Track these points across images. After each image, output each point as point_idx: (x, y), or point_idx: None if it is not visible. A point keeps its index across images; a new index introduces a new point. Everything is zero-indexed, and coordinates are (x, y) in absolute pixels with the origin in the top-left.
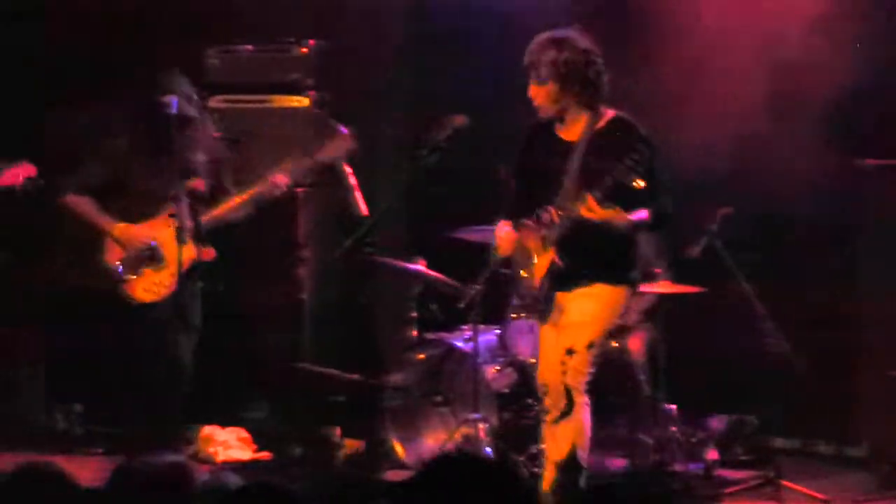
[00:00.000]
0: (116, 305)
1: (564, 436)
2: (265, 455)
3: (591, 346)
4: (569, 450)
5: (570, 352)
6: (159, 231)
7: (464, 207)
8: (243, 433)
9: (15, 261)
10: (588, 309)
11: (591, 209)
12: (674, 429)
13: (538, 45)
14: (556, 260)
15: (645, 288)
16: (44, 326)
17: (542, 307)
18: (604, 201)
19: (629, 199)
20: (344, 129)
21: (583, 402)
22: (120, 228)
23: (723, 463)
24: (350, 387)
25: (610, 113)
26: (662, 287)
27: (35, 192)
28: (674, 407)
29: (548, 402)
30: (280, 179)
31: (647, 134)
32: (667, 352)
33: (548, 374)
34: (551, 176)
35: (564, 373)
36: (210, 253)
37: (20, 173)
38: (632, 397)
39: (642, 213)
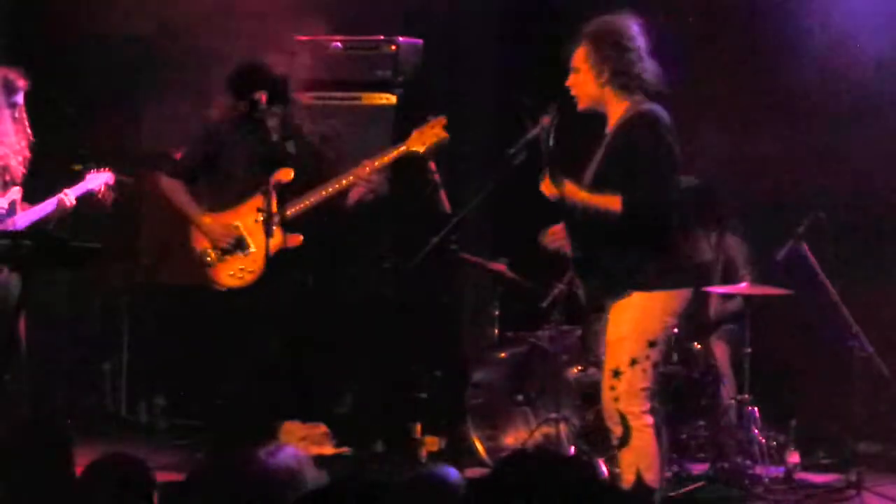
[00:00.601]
0: (200, 299)
1: (627, 464)
2: (346, 450)
3: (634, 362)
4: (634, 478)
5: (616, 373)
6: (246, 218)
7: (550, 206)
8: (324, 428)
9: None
10: (624, 322)
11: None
12: (756, 431)
13: (577, 35)
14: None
15: (730, 290)
16: (128, 320)
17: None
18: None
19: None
20: (436, 119)
21: (643, 425)
22: (207, 219)
23: (804, 466)
24: (432, 384)
25: (644, 106)
26: (747, 289)
27: (113, 201)
28: (756, 409)
29: (609, 423)
30: (370, 167)
31: (663, 132)
32: (751, 354)
33: (604, 396)
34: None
35: (616, 399)
36: (297, 239)
37: (101, 180)
38: (714, 399)
39: (612, 200)
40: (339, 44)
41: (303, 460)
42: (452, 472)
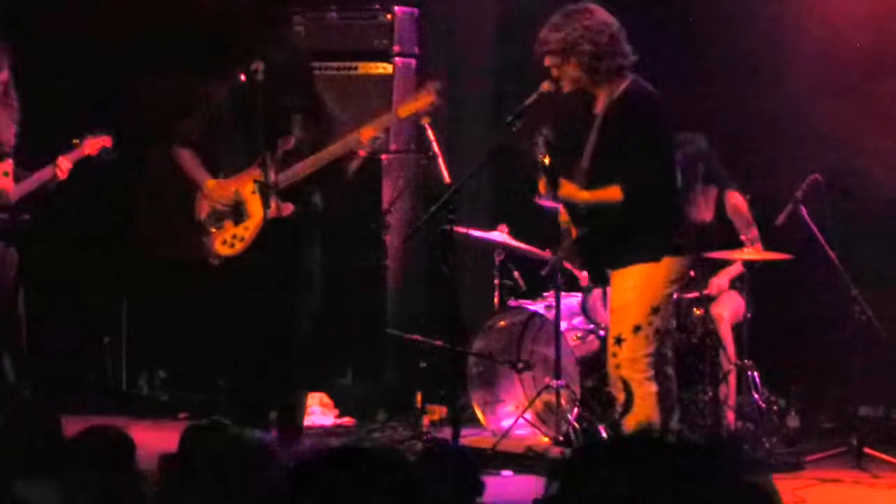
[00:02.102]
0: (199, 272)
1: (630, 426)
2: (348, 420)
3: (637, 328)
4: None
5: (618, 340)
6: (246, 186)
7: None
8: (326, 398)
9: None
10: (626, 290)
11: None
12: (757, 396)
13: (546, 27)
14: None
15: (730, 256)
16: (127, 293)
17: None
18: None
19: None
20: (430, 83)
21: (646, 392)
22: (210, 183)
23: (805, 430)
24: (433, 353)
25: (625, 82)
26: (748, 254)
27: (110, 163)
28: (756, 374)
29: (612, 390)
30: (364, 135)
31: (653, 107)
32: (751, 319)
33: (608, 363)
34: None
35: (618, 366)
36: (288, 208)
37: (98, 143)
38: (714, 364)
39: (612, 192)
40: (334, 13)
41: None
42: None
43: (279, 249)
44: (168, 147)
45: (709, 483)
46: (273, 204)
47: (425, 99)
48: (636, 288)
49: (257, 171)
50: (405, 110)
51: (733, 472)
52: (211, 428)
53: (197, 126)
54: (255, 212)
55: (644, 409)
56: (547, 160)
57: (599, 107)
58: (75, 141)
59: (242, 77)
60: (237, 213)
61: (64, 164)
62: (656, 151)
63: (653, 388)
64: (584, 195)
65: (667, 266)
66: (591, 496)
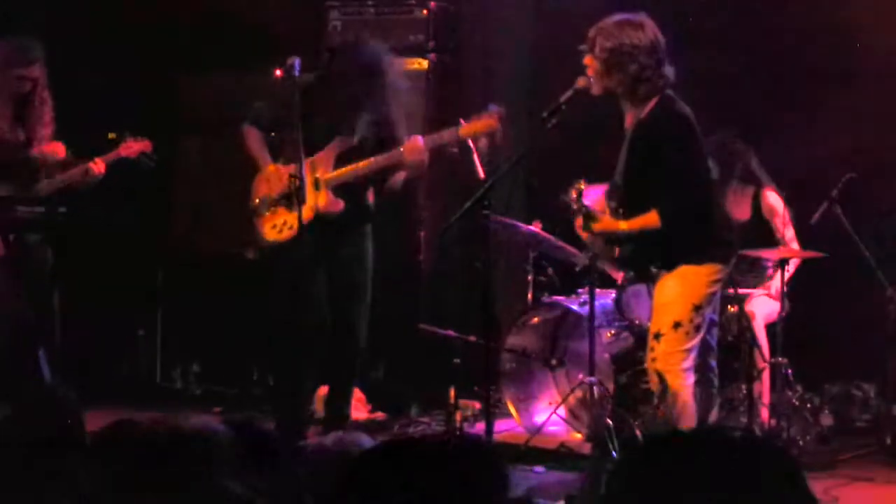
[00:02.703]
0: (235, 265)
1: (664, 421)
2: (380, 415)
3: (677, 325)
4: None
5: (657, 336)
6: (307, 174)
7: (584, 170)
8: (359, 392)
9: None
10: (670, 288)
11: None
12: (790, 393)
13: (597, 30)
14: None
15: (766, 254)
16: (162, 286)
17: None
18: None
19: (640, 196)
20: (494, 108)
21: (682, 385)
22: (272, 167)
23: (839, 429)
24: (466, 348)
25: (662, 103)
26: (786, 252)
27: (147, 168)
28: (791, 371)
29: (651, 385)
30: (420, 146)
31: (678, 122)
32: (786, 316)
33: (647, 358)
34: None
35: (654, 359)
36: (338, 205)
37: (136, 147)
38: (749, 361)
39: (650, 219)
40: (371, 8)
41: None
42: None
43: (322, 243)
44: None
45: (750, 483)
46: (325, 198)
47: (487, 122)
48: (678, 286)
49: (318, 161)
50: (467, 130)
51: (772, 470)
52: None
53: (269, 109)
54: (309, 202)
55: (679, 399)
56: (578, 201)
57: (628, 121)
58: (112, 135)
59: (278, 72)
60: (290, 200)
61: (100, 165)
62: (689, 173)
63: (689, 379)
64: (623, 226)
65: (709, 272)
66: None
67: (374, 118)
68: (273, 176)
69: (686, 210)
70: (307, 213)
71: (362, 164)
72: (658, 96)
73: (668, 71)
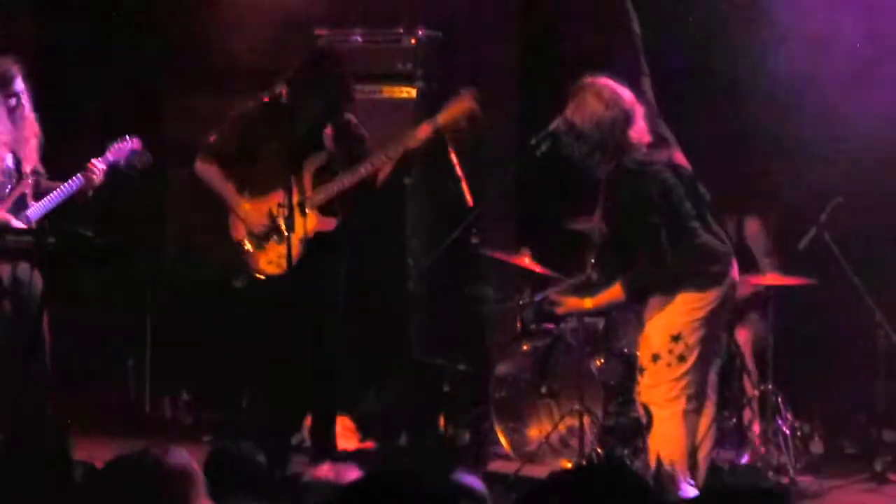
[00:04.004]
0: (225, 292)
1: (651, 451)
2: (370, 444)
3: (655, 357)
4: (655, 463)
5: (640, 370)
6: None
7: (571, 198)
8: (348, 422)
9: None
10: (648, 319)
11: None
12: (780, 421)
13: (579, 86)
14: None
15: (753, 280)
16: (152, 314)
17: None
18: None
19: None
20: (465, 90)
21: (667, 415)
22: (245, 206)
23: (829, 456)
24: (456, 377)
25: (623, 164)
26: (771, 279)
27: (140, 168)
28: (780, 399)
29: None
30: (402, 145)
31: (635, 190)
32: (775, 343)
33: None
34: None
35: (639, 392)
36: (331, 223)
37: (125, 148)
38: (739, 388)
39: (614, 292)
40: (358, 37)
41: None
42: (476, 482)
43: (320, 265)
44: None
45: None
46: (314, 219)
47: (463, 104)
48: (656, 318)
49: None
50: (445, 116)
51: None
52: None
53: (228, 140)
54: (297, 229)
55: (665, 431)
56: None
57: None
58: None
59: (265, 98)
60: (278, 231)
61: (98, 168)
62: (648, 240)
63: (676, 409)
64: (589, 303)
65: (684, 296)
66: None
67: (337, 128)
68: (251, 217)
69: (645, 278)
70: (297, 240)
71: (360, 172)
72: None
73: (637, 130)
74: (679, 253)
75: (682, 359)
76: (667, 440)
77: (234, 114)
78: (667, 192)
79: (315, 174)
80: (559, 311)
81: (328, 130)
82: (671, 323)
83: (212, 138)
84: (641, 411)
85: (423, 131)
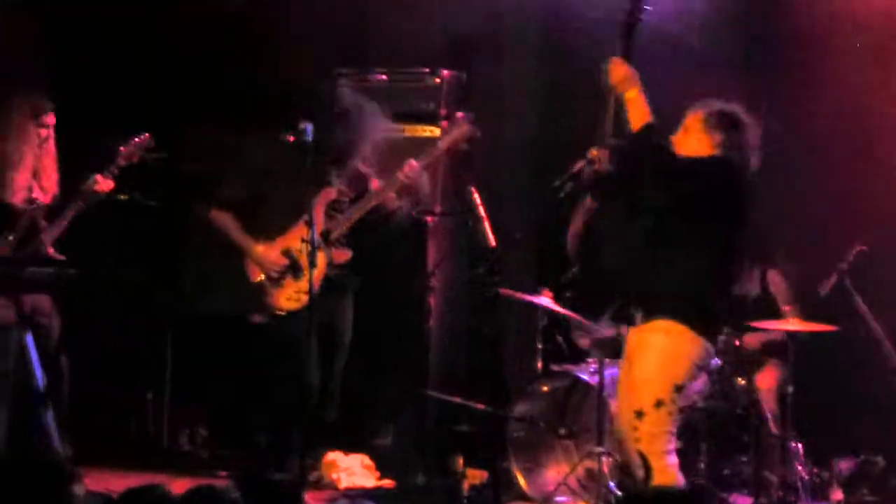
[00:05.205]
0: (244, 328)
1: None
2: (388, 483)
3: (659, 403)
4: None
5: (639, 414)
6: (296, 241)
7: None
8: (367, 460)
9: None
10: (651, 360)
11: None
12: (800, 467)
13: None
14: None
15: (775, 327)
16: (171, 349)
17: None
18: None
19: None
20: (460, 115)
21: (665, 465)
22: (258, 251)
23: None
24: (475, 416)
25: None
26: (791, 325)
27: (153, 164)
28: (800, 445)
29: (631, 466)
30: (406, 172)
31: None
32: (795, 389)
33: (622, 430)
34: None
35: (637, 439)
36: (345, 255)
37: (135, 148)
38: (758, 434)
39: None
40: (382, 76)
41: None
42: None
43: (337, 298)
44: (207, 209)
45: None
46: (331, 252)
47: (461, 130)
48: (658, 363)
49: (302, 227)
50: (448, 142)
51: None
52: None
53: (236, 189)
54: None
55: (665, 480)
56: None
57: None
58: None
59: (290, 137)
60: (294, 269)
61: (107, 172)
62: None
63: (673, 460)
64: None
65: (692, 342)
66: None
67: (339, 167)
68: (265, 258)
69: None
70: (319, 275)
71: (370, 203)
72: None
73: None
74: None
75: (681, 411)
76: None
77: (245, 160)
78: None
79: (326, 210)
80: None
81: (331, 168)
82: (676, 371)
83: (225, 187)
84: (638, 461)
85: (423, 161)
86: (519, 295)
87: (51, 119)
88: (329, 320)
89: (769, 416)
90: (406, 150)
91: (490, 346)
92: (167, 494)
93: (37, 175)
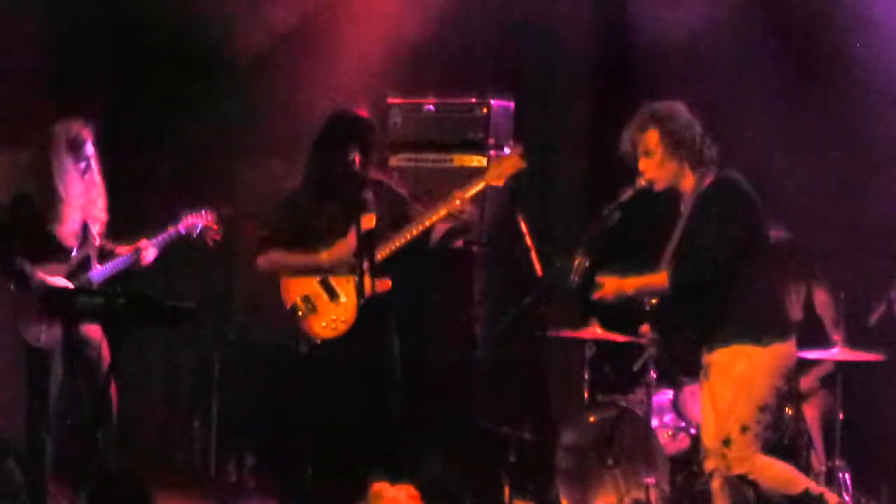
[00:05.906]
0: (292, 357)
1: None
2: None
3: (745, 429)
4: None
5: (727, 442)
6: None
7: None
8: (413, 490)
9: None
10: (730, 387)
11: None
12: (847, 498)
13: (634, 128)
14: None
15: (822, 356)
16: (218, 377)
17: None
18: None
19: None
20: (512, 146)
21: (761, 466)
22: (324, 256)
23: None
24: (522, 446)
25: (722, 173)
26: (839, 354)
27: (210, 241)
28: (848, 475)
29: (709, 465)
30: (451, 202)
31: (738, 199)
32: (843, 419)
33: (708, 440)
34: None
35: (728, 466)
36: (386, 284)
37: (198, 221)
38: (806, 464)
39: (658, 278)
40: (431, 106)
41: None
42: None
43: (374, 329)
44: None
45: None
46: (369, 281)
47: (511, 162)
48: (740, 387)
49: (340, 251)
50: (493, 174)
51: None
52: None
53: (282, 229)
54: (349, 292)
55: (770, 473)
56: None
57: (687, 198)
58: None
59: (339, 167)
60: (329, 292)
61: (147, 249)
62: (710, 246)
63: (764, 461)
64: (629, 283)
65: (769, 359)
66: None
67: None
68: (334, 254)
69: (692, 280)
70: (356, 301)
71: (413, 230)
72: (713, 175)
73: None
74: (746, 279)
75: (766, 429)
76: (777, 476)
77: (283, 200)
78: (756, 209)
79: (363, 236)
80: (597, 294)
81: (370, 194)
82: (758, 393)
83: (265, 233)
84: (738, 484)
85: (470, 190)
86: (565, 333)
87: (88, 150)
88: (372, 352)
89: (817, 445)
90: (454, 179)
91: (537, 376)
92: None
93: (85, 207)
